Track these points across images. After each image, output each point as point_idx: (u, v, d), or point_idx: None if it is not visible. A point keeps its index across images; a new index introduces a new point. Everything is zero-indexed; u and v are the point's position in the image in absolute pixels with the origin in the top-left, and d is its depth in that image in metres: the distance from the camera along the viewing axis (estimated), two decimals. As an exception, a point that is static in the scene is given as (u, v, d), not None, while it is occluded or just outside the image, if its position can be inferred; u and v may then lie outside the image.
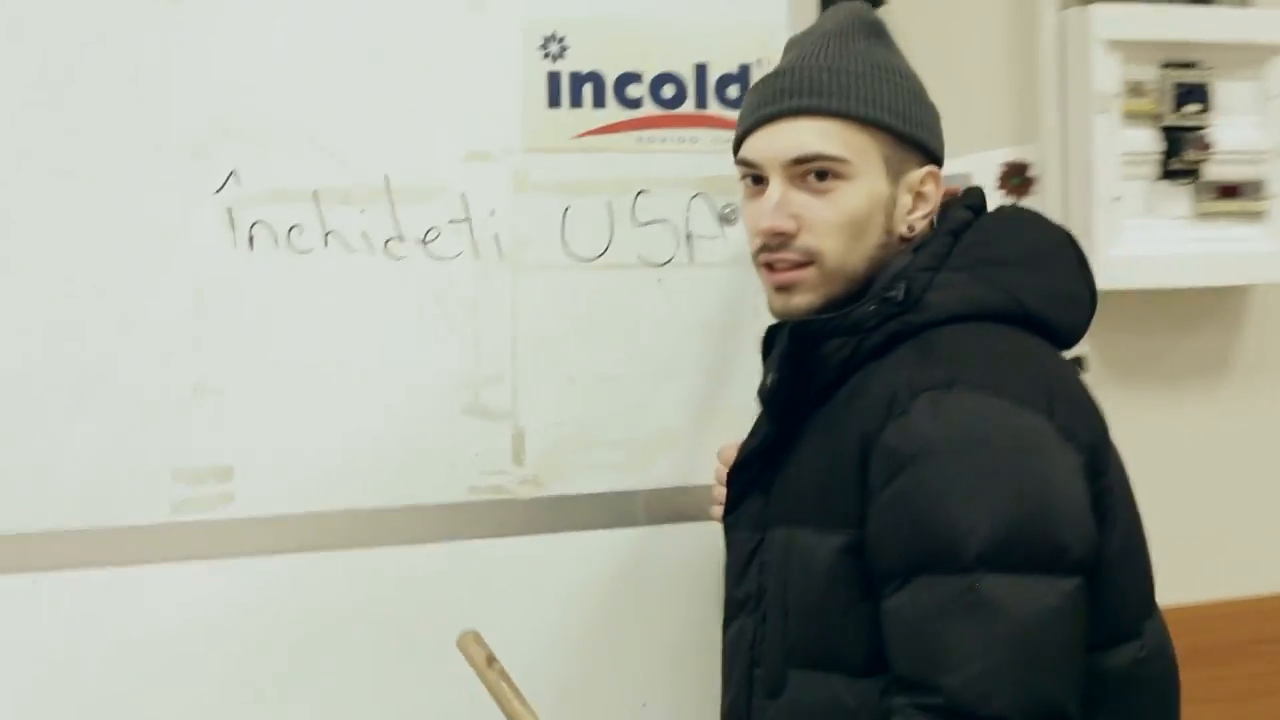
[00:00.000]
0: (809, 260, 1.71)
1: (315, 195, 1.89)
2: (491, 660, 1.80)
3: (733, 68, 2.03)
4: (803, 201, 1.70)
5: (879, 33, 1.78)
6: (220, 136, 1.87)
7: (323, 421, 1.91)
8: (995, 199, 2.34)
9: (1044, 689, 1.56)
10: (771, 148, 1.71)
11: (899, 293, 1.68)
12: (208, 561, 1.88)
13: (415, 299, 1.93)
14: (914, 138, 1.74)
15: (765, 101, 1.73)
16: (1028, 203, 2.36)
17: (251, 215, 1.88)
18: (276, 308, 1.90)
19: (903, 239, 1.73)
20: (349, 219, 1.91)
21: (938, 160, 1.77)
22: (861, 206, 1.71)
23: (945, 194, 1.78)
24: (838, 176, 1.70)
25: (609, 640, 2.03)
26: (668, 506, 2.06)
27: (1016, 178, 2.39)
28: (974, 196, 1.81)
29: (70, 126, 1.83)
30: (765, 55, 2.03)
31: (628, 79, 2.00)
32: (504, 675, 1.79)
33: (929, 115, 1.77)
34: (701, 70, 2.02)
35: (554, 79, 1.97)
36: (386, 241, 1.92)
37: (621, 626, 2.03)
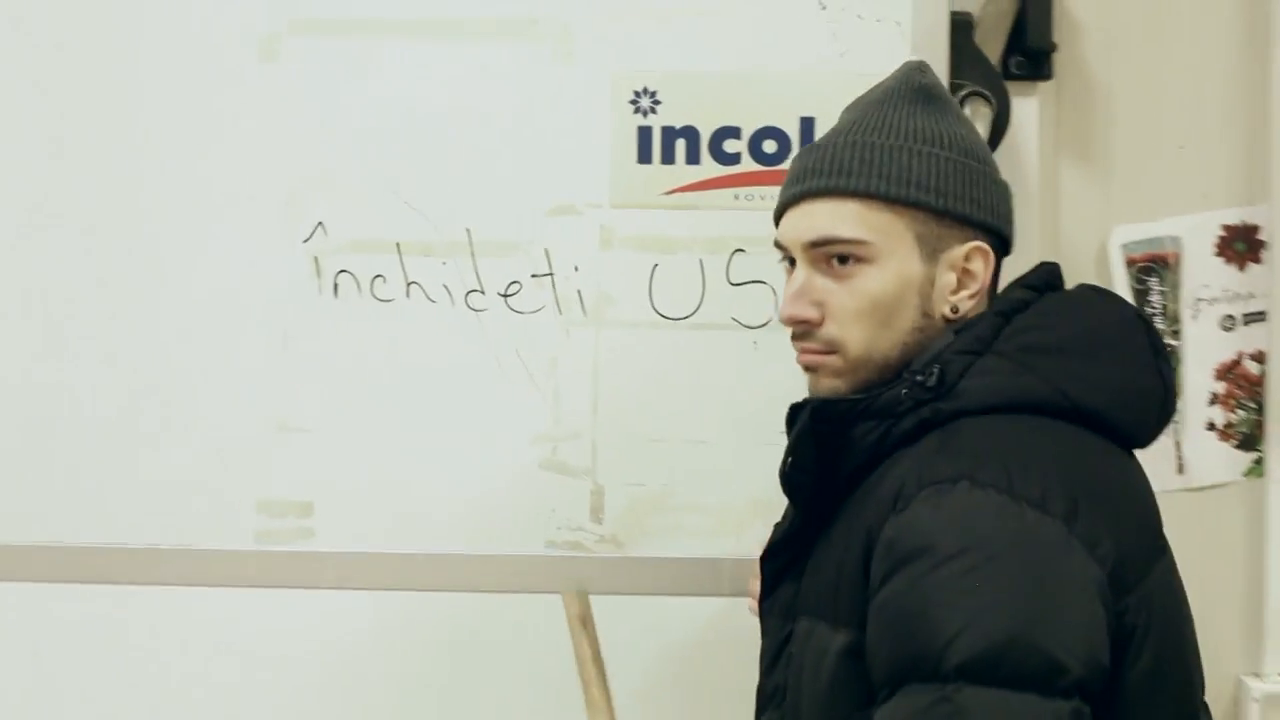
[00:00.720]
0: (832, 349, 1.63)
1: (398, 246, 1.94)
2: (586, 620, 1.83)
3: (840, 122, 1.92)
4: (826, 287, 1.62)
5: (929, 98, 1.66)
6: (309, 188, 1.94)
7: (401, 465, 1.96)
8: (1214, 267, 2.11)
9: None
10: (794, 231, 1.62)
11: (931, 377, 1.58)
12: (285, 591, 1.97)
13: (494, 351, 1.95)
14: (954, 212, 1.61)
15: (793, 181, 1.65)
16: (1257, 273, 2.11)
17: (336, 264, 1.94)
18: (359, 354, 1.96)
19: (947, 320, 1.62)
20: (431, 270, 1.94)
21: (995, 233, 1.64)
22: (887, 290, 1.61)
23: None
24: (859, 260, 1.60)
25: (676, 709, 1.99)
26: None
27: (1241, 243, 2.13)
28: (1041, 275, 1.68)
29: (171, 176, 1.95)
30: (877, 109, 1.90)
31: (725, 133, 1.93)
32: (592, 639, 1.82)
33: (976, 186, 1.64)
34: (808, 124, 1.92)
35: (644, 134, 1.93)
36: (468, 294, 1.94)
37: (690, 696, 1.98)
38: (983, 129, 1.88)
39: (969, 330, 1.61)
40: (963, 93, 1.90)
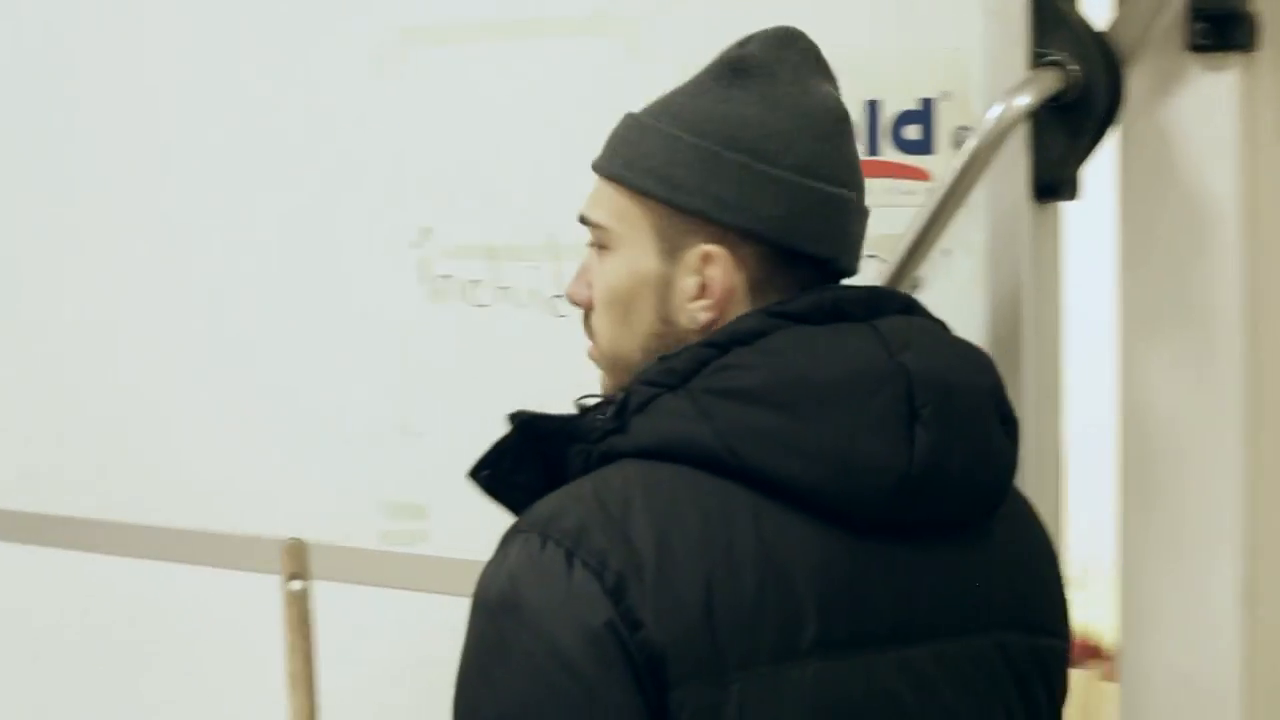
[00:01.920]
0: (590, 338, 1.53)
1: (491, 251, 1.95)
2: (294, 577, 1.76)
3: (912, 103, 1.75)
4: (594, 269, 1.50)
5: (736, 74, 1.46)
6: (417, 196, 1.99)
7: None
8: None
9: None
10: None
11: (613, 409, 1.41)
12: (405, 592, 2.02)
13: (580, 356, 1.91)
14: (688, 208, 1.42)
15: None
16: None
17: (439, 269, 1.98)
18: (463, 358, 1.98)
19: (702, 330, 1.43)
20: (519, 275, 1.93)
21: (759, 238, 1.41)
22: (621, 284, 1.47)
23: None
24: (604, 247, 1.48)
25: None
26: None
27: None
28: (818, 302, 1.41)
29: (297, 187, 2.08)
30: (952, 88, 1.72)
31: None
32: (300, 600, 1.74)
33: (727, 181, 1.42)
34: (874, 108, 1.76)
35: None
36: (553, 298, 1.92)
37: None
38: (1034, 100, 1.65)
39: (670, 359, 1.41)
40: (1042, 62, 1.69)
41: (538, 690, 1.30)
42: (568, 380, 1.88)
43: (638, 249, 1.46)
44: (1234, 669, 1.71)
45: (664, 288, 1.45)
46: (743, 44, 1.48)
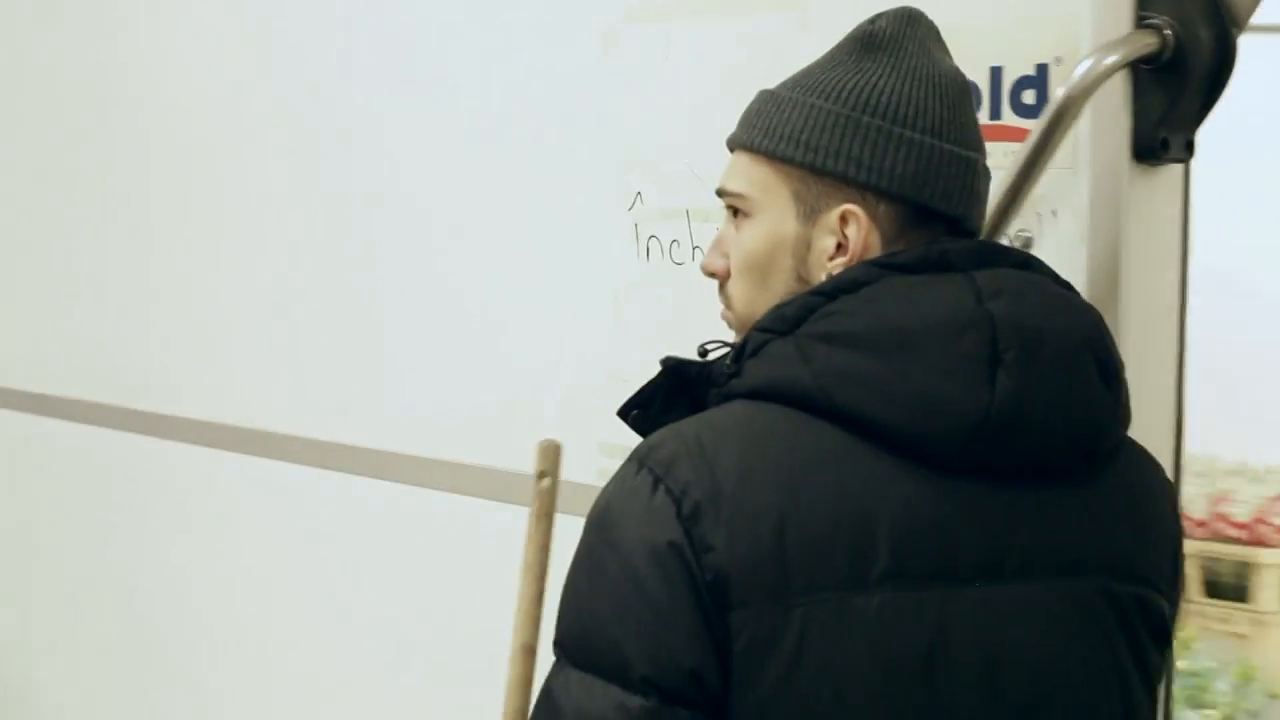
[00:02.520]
0: (727, 305, 1.63)
1: (688, 214, 2.14)
2: (544, 474, 1.89)
3: (1028, 69, 1.81)
4: (729, 238, 1.61)
5: (867, 48, 1.57)
6: (632, 165, 2.21)
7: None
8: None
9: None
10: None
11: (732, 354, 1.54)
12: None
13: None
14: (828, 170, 1.52)
15: None
16: None
17: (649, 230, 2.19)
18: (668, 313, 2.18)
19: None
20: (709, 235, 2.12)
21: (893, 196, 1.51)
22: (759, 248, 1.57)
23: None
24: (744, 215, 1.59)
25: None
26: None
27: None
28: (919, 254, 1.49)
29: (526, 154, 2.35)
30: (1064, 53, 1.78)
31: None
32: (547, 495, 1.88)
33: (863, 143, 1.51)
34: (997, 74, 1.84)
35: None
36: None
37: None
38: (1121, 58, 1.68)
39: (782, 307, 1.52)
40: (1142, 24, 1.72)
41: (610, 601, 1.44)
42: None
43: (776, 214, 1.56)
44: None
45: (802, 249, 1.55)
46: (872, 21, 1.58)
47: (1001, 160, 1.83)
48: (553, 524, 1.88)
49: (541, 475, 1.88)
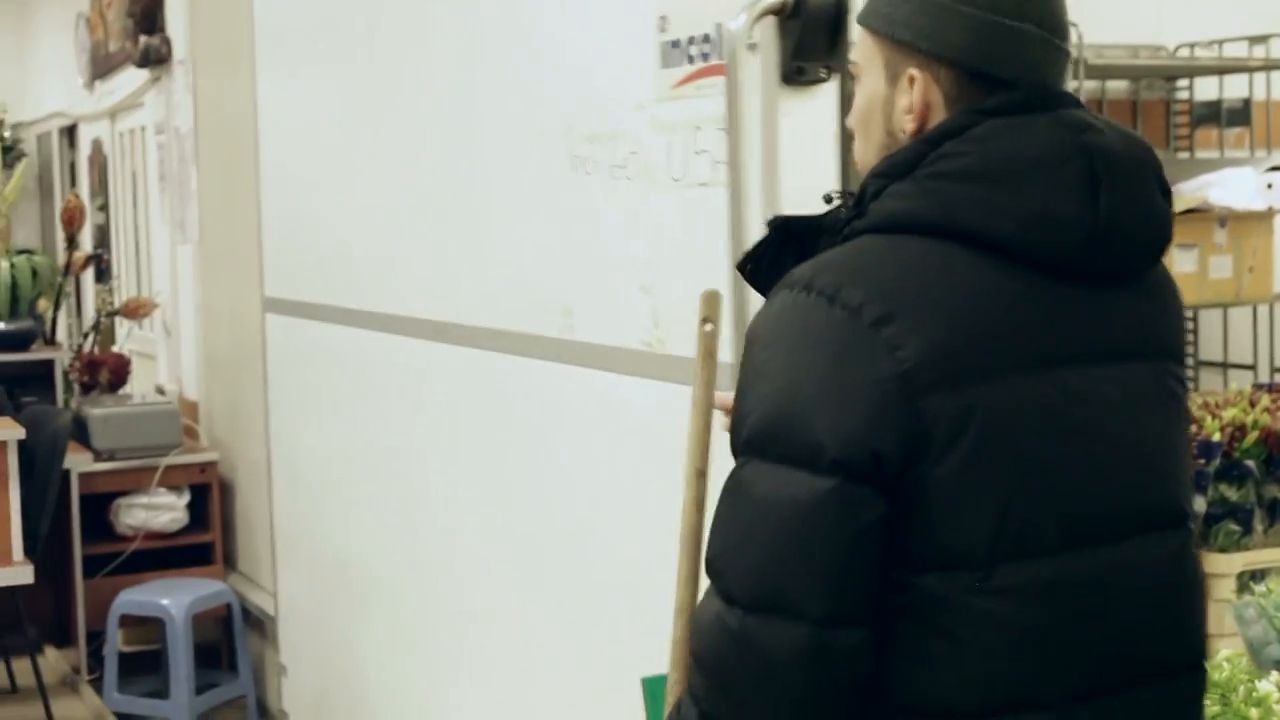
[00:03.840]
0: (856, 158, 1.90)
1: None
2: (706, 320, 2.09)
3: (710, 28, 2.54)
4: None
5: None
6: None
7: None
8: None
9: (776, 577, 1.65)
10: None
11: (853, 199, 1.79)
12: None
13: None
14: (899, 39, 1.79)
15: None
16: None
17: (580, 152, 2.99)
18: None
19: (913, 139, 1.79)
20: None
21: (952, 63, 1.77)
22: (861, 106, 1.85)
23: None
24: (856, 79, 1.88)
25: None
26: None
27: None
28: (1009, 100, 1.76)
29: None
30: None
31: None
32: (709, 340, 2.07)
33: (927, 16, 1.77)
34: (718, 29, 2.57)
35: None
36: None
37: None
38: (752, 15, 2.38)
39: (894, 155, 1.77)
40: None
41: (795, 401, 1.66)
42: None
43: (872, 77, 1.83)
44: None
45: (889, 106, 1.81)
46: None
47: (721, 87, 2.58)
48: (716, 364, 2.11)
49: (705, 321, 2.12)
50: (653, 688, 2.14)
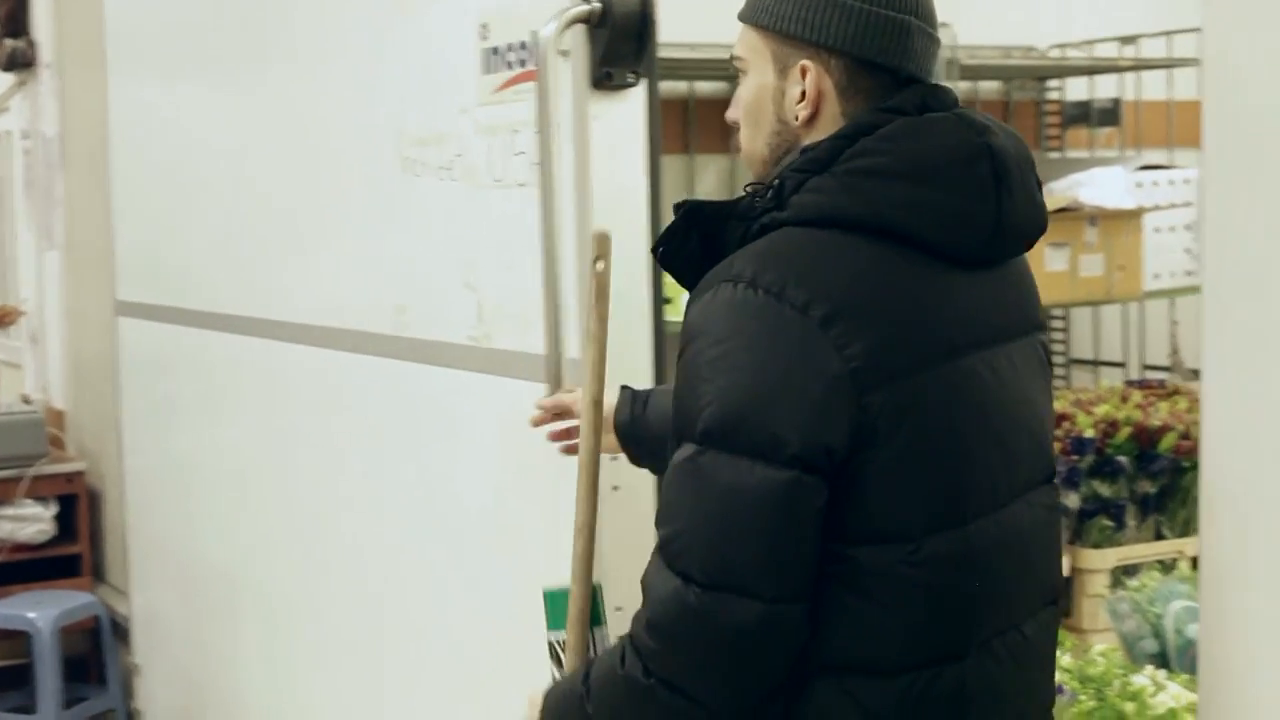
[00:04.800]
0: (739, 148, 2.02)
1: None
2: (599, 258, 2.19)
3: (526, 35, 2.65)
4: (738, 94, 2.00)
5: None
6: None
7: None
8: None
9: (732, 561, 1.77)
10: None
11: (772, 191, 1.87)
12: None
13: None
14: (789, 33, 1.90)
15: None
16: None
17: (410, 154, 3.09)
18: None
19: (803, 125, 1.92)
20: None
21: (841, 53, 1.89)
22: (750, 97, 1.96)
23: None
24: (743, 72, 1.98)
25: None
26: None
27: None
28: (910, 98, 1.89)
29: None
30: (562, 18, 2.61)
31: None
32: (602, 278, 2.17)
33: (815, 11, 1.88)
34: (534, 36, 2.68)
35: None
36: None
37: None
38: (561, 24, 2.50)
39: (811, 150, 1.87)
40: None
41: (754, 396, 1.76)
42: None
43: (760, 69, 1.94)
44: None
45: (779, 95, 1.92)
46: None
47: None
48: (609, 301, 2.22)
49: (597, 259, 2.23)
50: (554, 600, 2.27)
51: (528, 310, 2.73)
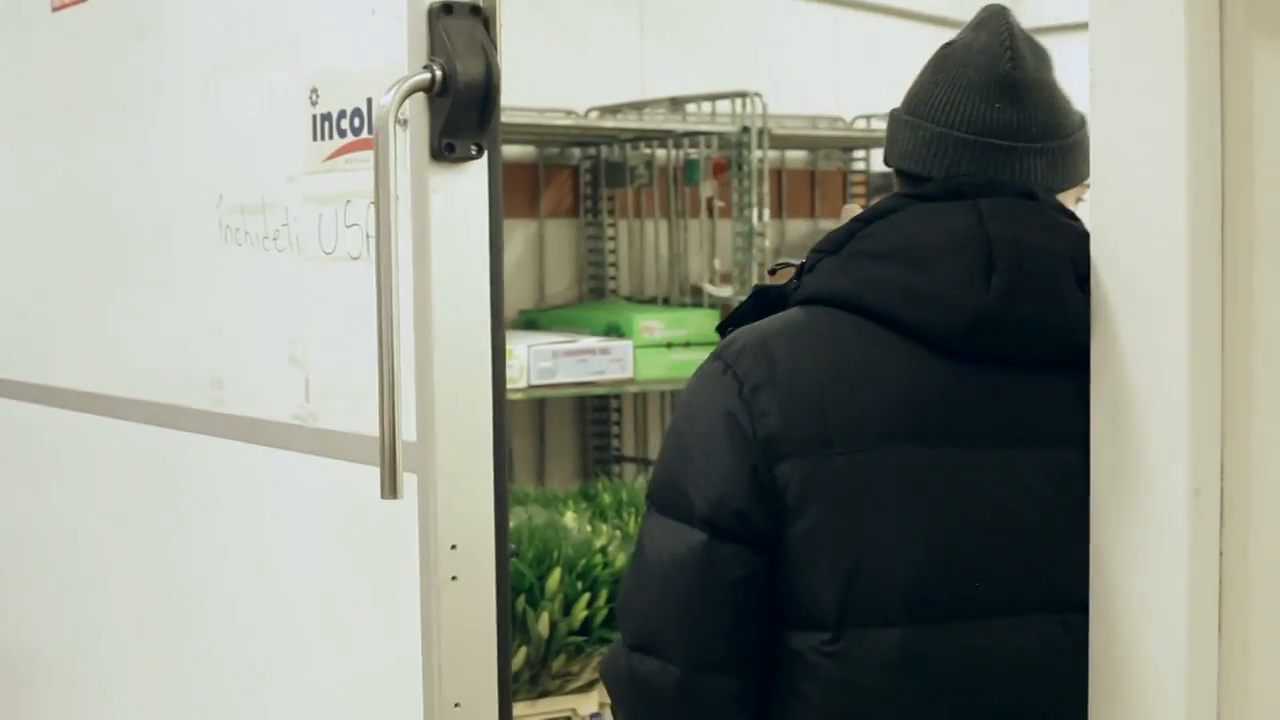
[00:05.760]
0: None
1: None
2: None
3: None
4: None
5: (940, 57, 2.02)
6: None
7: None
8: None
9: (653, 622, 1.83)
10: None
11: (795, 272, 1.98)
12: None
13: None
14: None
15: None
16: None
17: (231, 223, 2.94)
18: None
19: None
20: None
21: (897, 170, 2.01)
22: None
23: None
24: None
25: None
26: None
27: None
28: (936, 186, 1.92)
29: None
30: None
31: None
32: None
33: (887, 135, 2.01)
34: (369, 103, 2.57)
35: (317, 121, 2.70)
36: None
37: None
38: (401, 91, 2.38)
39: (833, 233, 1.96)
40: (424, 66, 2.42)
41: (683, 460, 1.85)
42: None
43: None
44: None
45: None
46: (949, 44, 2.04)
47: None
48: None
49: None
50: None
51: (360, 389, 2.61)
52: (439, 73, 2.42)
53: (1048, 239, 1.86)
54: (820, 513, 1.77)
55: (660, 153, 5.54)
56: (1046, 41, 2.07)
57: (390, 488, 2.37)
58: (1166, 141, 1.63)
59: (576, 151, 5.57)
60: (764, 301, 2.00)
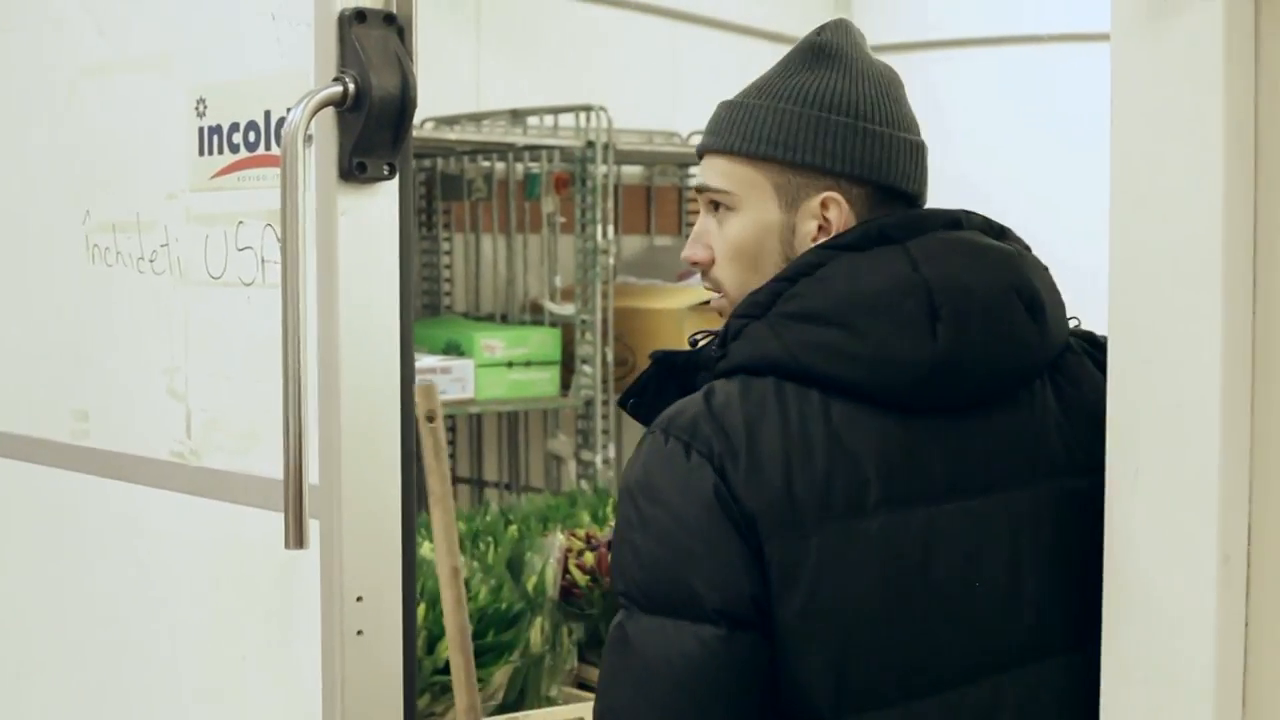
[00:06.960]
0: (718, 289, 1.90)
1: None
2: (430, 416, 2.16)
3: (282, 112, 2.34)
4: (712, 231, 1.87)
5: (818, 57, 1.85)
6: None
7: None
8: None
9: None
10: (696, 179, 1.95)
11: (718, 339, 1.82)
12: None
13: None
14: (806, 164, 1.81)
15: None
16: None
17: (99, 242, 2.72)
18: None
19: None
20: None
21: (864, 181, 1.81)
22: (747, 236, 1.84)
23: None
24: (728, 209, 1.86)
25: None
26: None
27: None
28: (861, 233, 1.78)
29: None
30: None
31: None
32: (435, 435, 2.12)
33: (832, 138, 1.80)
34: (268, 116, 2.37)
35: (203, 134, 2.50)
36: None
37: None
38: (311, 105, 2.21)
39: (755, 294, 1.79)
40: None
41: (670, 550, 1.68)
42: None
43: (760, 205, 1.82)
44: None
45: (788, 233, 1.82)
46: (818, 33, 1.88)
47: (274, 181, 2.36)
48: (445, 458, 2.17)
49: (430, 417, 2.19)
50: None
51: (251, 426, 2.42)
52: (351, 86, 2.25)
53: (986, 273, 1.77)
54: (804, 598, 1.67)
55: (500, 166, 5.39)
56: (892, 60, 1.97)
57: (296, 537, 2.18)
58: (1201, 186, 1.52)
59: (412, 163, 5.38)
60: (668, 369, 1.87)
